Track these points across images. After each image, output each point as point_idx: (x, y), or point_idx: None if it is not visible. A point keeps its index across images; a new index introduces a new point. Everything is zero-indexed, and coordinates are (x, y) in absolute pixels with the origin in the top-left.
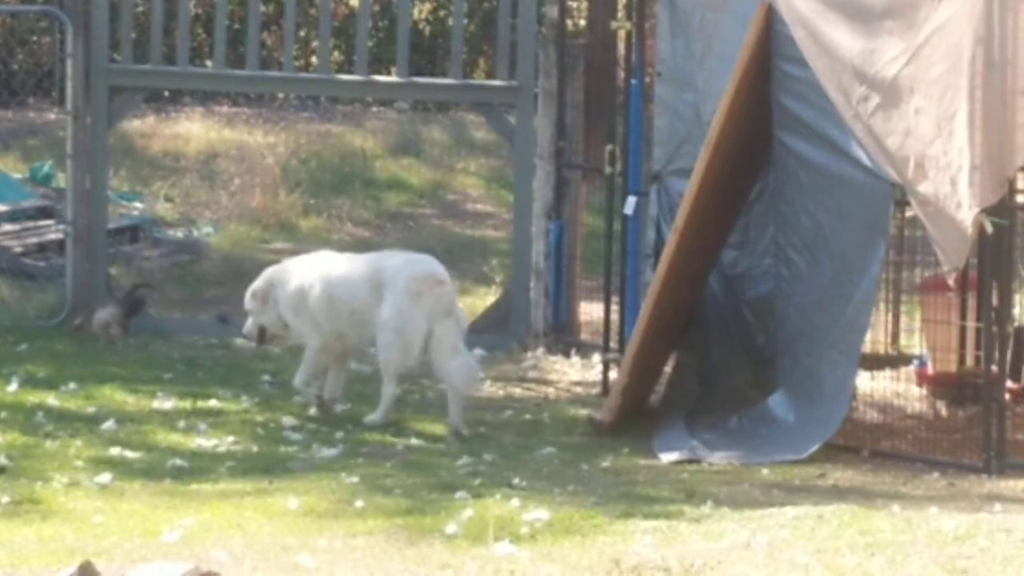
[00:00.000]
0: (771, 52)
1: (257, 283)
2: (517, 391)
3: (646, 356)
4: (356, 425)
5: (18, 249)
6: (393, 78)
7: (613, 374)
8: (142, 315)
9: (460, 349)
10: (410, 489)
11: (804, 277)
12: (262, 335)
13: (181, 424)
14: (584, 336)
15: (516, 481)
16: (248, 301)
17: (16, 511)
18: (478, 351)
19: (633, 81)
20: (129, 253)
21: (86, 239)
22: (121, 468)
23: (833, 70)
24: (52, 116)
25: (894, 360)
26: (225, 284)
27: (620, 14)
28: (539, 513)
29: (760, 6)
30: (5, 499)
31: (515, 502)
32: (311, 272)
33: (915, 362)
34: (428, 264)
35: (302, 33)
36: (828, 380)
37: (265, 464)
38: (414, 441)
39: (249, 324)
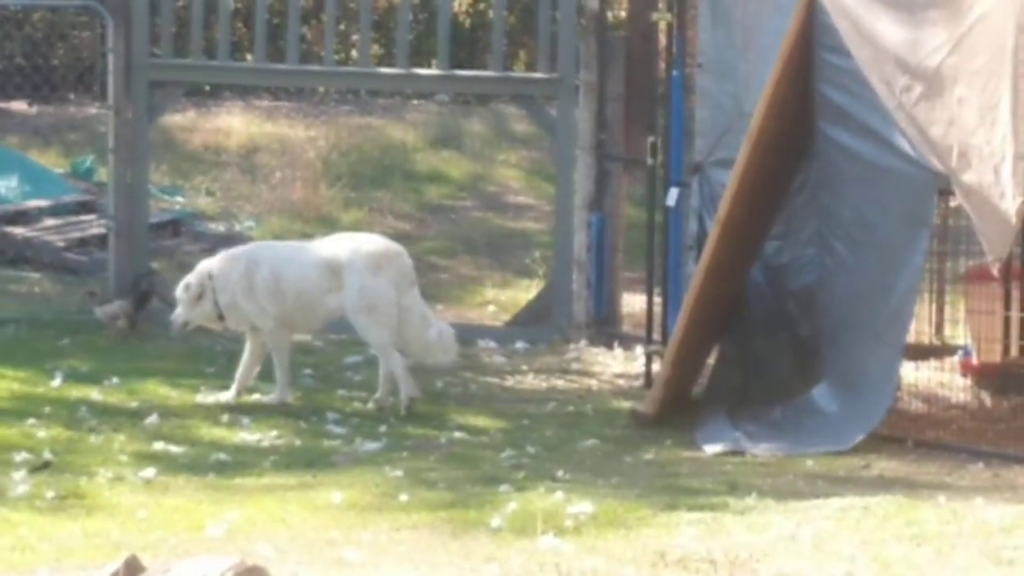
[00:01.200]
0: (813, 42)
1: (196, 278)
2: (560, 383)
3: (689, 348)
4: (399, 419)
5: (60, 244)
6: (434, 71)
7: (656, 366)
8: (149, 307)
9: (430, 317)
10: (454, 482)
11: (847, 268)
12: (185, 326)
13: (224, 418)
14: (626, 328)
15: (560, 474)
16: (180, 292)
17: (61, 506)
18: (520, 344)
19: (674, 72)
20: (170, 247)
21: (127, 234)
22: (165, 462)
23: (876, 60)
24: (93, 111)
25: (938, 350)
26: None
27: (661, 5)
28: (583, 506)
29: None
30: (50, 494)
31: (559, 495)
32: (258, 257)
33: (959, 352)
34: (382, 240)
35: (342, 26)
36: (872, 371)
37: (308, 458)
38: (457, 434)
39: (175, 314)
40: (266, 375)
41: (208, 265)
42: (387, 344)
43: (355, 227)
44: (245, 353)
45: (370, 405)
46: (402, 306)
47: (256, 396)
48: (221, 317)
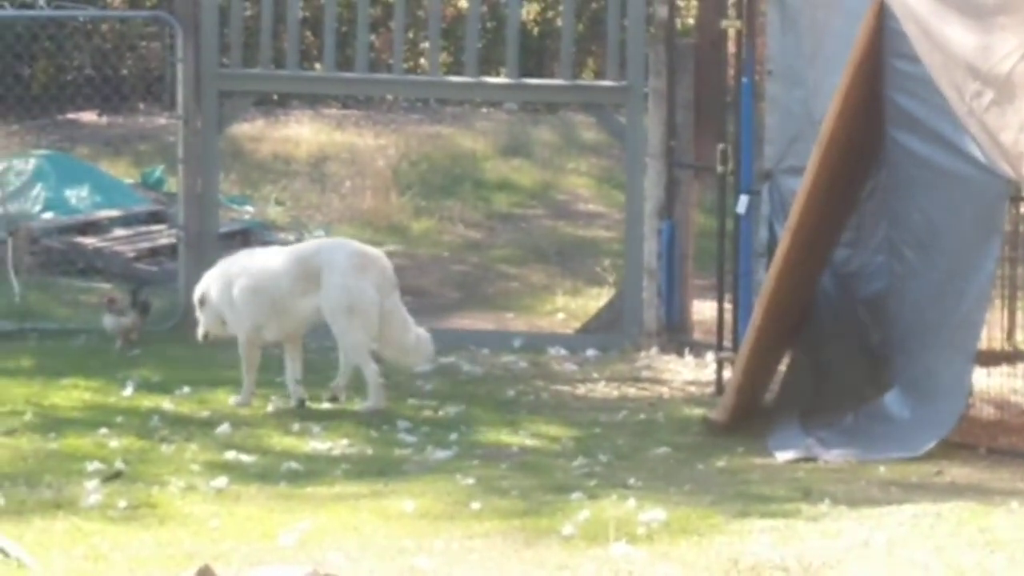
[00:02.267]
0: (883, 49)
1: (199, 287)
2: (631, 391)
3: (760, 355)
4: (469, 427)
5: (130, 254)
6: (503, 79)
7: (727, 373)
8: (148, 320)
9: (410, 323)
10: (526, 490)
11: (918, 274)
12: (205, 336)
13: (295, 427)
14: (697, 335)
15: (631, 481)
16: (196, 304)
17: (133, 515)
18: (591, 351)
19: (744, 79)
20: None
21: (197, 244)
22: (236, 472)
23: (946, 66)
24: (162, 121)
25: (1010, 356)
26: None
27: (730, 12)
28: (655, 513)
29: (872, 3)
30: (122, 503)
31: (631, 502)
32: (236, 267)
33: None
34: (358, 243)
35: (410, 34)
36: (944, 377)
37: (380, 466)
38: (528, 442)
39: (200, 325)
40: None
41: (208, 274)
42: (363, 350)
43: (426, 236)
44: (286, 359)
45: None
46: (386, 309)
47: (326, 405)
48: (224, 323)
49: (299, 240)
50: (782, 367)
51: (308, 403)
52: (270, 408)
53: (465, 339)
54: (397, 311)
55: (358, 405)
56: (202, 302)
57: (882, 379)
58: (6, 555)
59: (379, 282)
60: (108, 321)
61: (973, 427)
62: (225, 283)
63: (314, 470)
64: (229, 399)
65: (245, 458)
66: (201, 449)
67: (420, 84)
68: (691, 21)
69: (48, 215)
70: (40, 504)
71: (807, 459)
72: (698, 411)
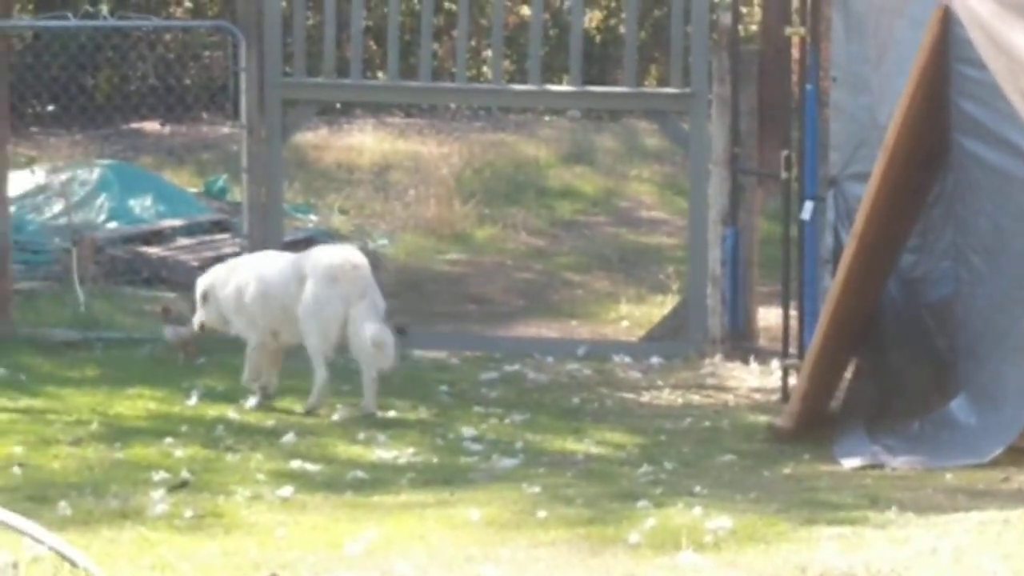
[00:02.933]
0: (948, 54)
1: (202, 281)
2: (696, 398)
3: (825, 361)
4: (535, 435)
5: (194, 263)
6: (566, 87)
7: (792, 380)
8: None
9: (373, 330)
10: (591, 499)
11: (984, 280)
12: (201, 327)
13: (360, 436)
14: (762, 342)
15: (698, 489)
16: (197, 295)
17: (199, 525)
18: (656, 359)
19: (808, 86)
20: None
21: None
22: (302, 481)
23: (1012, 71)
24: (225, 130)
25: None
26: (401, 295)
27: (794, 19)
28: (722, 521)
29: (936, 8)
30: (188, 513)
31: (697, 510)
32: (245, 273)
33: None
34: (345, 251)
35: (472, 43)
36: (1011, 383)
37: (445, 475)
38: (594, 450)
39: (197, 317)
40: (410, 394)
41: (213, 271)
42: (320, 353)
43: (489, 244)
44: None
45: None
46: (351, 317)
47: (392, 413)
48: (227, 321)
49: (362, 249)
50: (847, 374)
51: (379, 413)
52: (335, 417)
53: (530, 347)
54: (361, 318)
55: (336, 413)
56: (204, 298)
57: (948, 386)
58: (74, 565)
59: (347, 292)
60: (168, 332)
61: None
62: (236, 288)
63: (380, 479)
64: (245, 404)
65: (311, 467)
66: (267, 458)
67: (484, 92)
68: (754, 28)
69: (112, 225)
70: (107, 514)
71: (873, 466)
72: (763, 418)
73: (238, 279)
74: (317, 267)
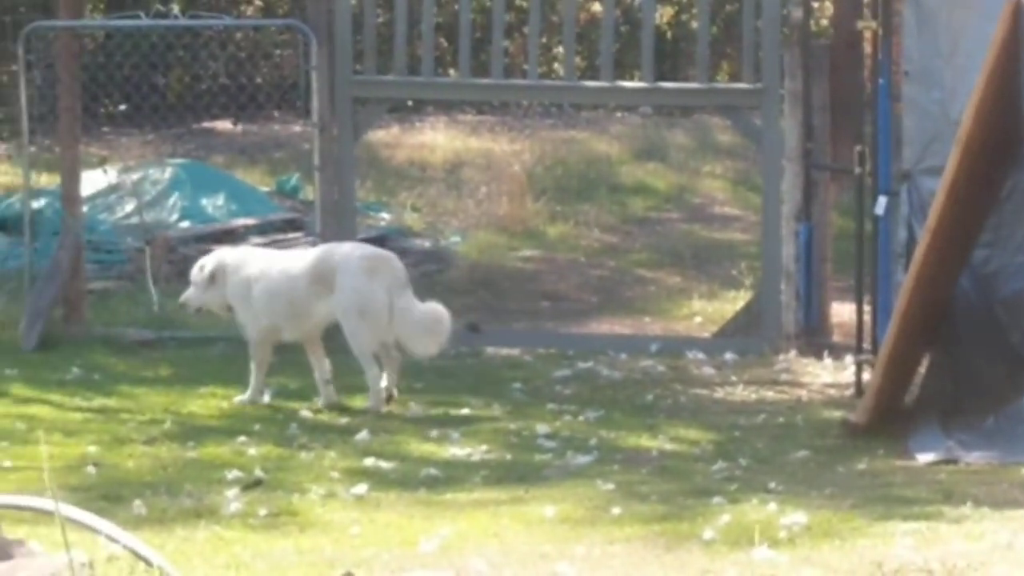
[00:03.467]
0: (1020, 48)
1: (211, 261)
2: (770, 394)
3: (899, 357)
4: (609, 431)
5: None
6: (638, 83)
7: (866, 375)
8: None
9: (420, 310)
10: (666, 495)
11: None
12: (198, 310)
13: (434, 433)
14: (836, 338)
15: (772, 485)
16: (195, 273)
17: (274, 523)
18: (729, 355)
19: (880, 80)
20: None
21: None
22: (376, 478)
23: None
24: (297, 129)
25: None
26: (474, 293)
27: (865, 13)
28: (797, 517)
29: (1008, 3)
30: (263, 511)
31: (772, 506)
32: (255, 268)
33: None
34: (375, 247)
35: (543, 39)
36: None
37: (519, 472)
38: (668, 446)
39: (188, 294)
40: (483, 391)
41: (224, 255)
42: (368, 351)
43: (562, 240)
44: (311, 360)
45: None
46: (397, 307)
47: (466, 410)
48: (229, 308)
49: (435, 246)
50: (921, 369)
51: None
52: (407, 414)
53: (603, 344)
54: (410, 308)
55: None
56: (212, 278)
57: (1022, 380)
58: (149, 564)
59: (389, 283)
60: None
61: None
62: (243, 280)
63: (454, 476)
64: (235, 398)
65: (384, 465)
66: (340, 456)
67: (556, 89)
68: (825, 22)
69: (184, 224)
70: (181, 513)
71: (948, 461)
72: (837, 414)
73: (249, 270)
74: (349, 262)
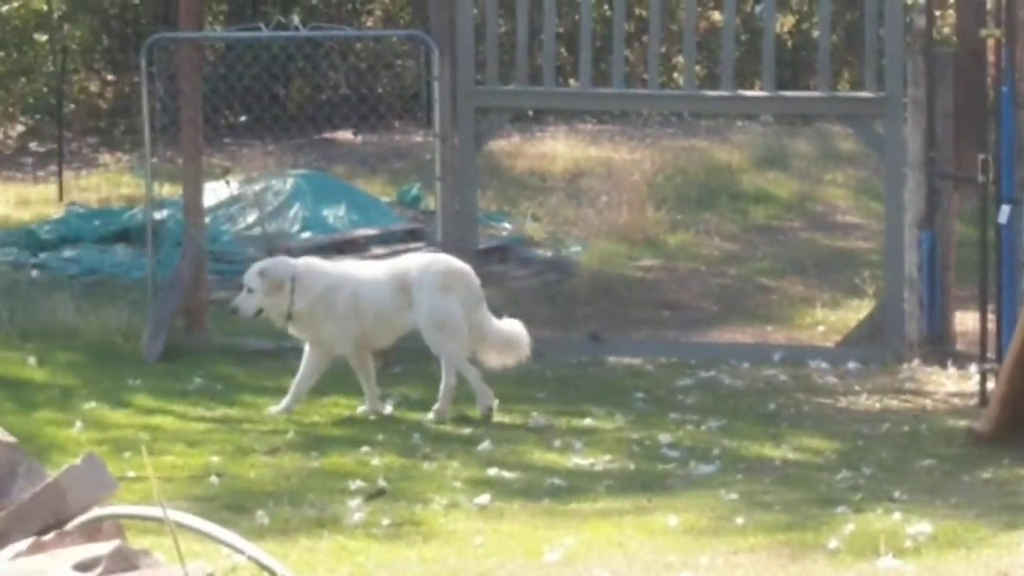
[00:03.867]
0: None
1: (278, 269)
2: (893, 403)
3: None
4: (732, 440)
5: None
6: (760, 92)
7: (991, 384)
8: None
9: (498, 326)
10: (790, 504)
11: None
12: (257, 313)
13: (556, 443)
14: (960, 346)
15: (896, 494)
16: (255, 279)
17: (397, 533)
18: (852, 364)
19: (1004, 88)
20: (498, 274)
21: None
22: (499, 488)
23: None
24: (418, 138)
25: None
26: (595, 302)
27: (988, 21)
28: (922, 526)
29: None
30: (386, 521)
31: (896, 516)
32: (339, 276)
33: None
34: (451, 260)
35: (663, 48)
36: None
37: (643, 482)
38: (791, 455)
39: (244, 299)
40: (606, 401)
41: (292, 264)
42: (459, 358)
43: (683, 249)
44: (304, 365)
45: (430, 416)
46: (472, 323)
47: (588, 420)
48: (290, 317)
49: (556, 256)
50: None
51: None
52: (530, 423)
53: (725, 353)
54: (485, 322)
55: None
56: (280, 286)
57: None
58: (272, 574)
59: (464, 298)
60: None
61: None
62: (326, 290)
63: (577, 486)
64: (359, 408)
65: (507, 475)
66: (463, 466)
67: (677, 98)
68: (948, 30)
69: (306, 234)
70: (304, 523)
71: None
72: (962, 423)
73: (328, 279)
74: (425, 278)
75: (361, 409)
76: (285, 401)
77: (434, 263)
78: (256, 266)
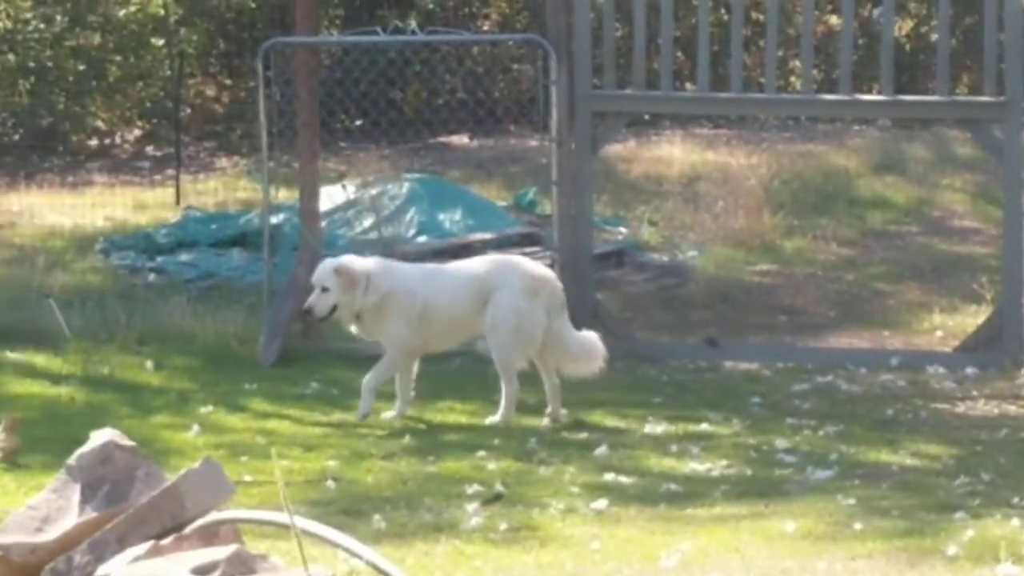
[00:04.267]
0: None
1: (354, 266)
2: (1012, 409)
3: None
4: (849, 446)
5: None
6: (877, 96)
7: None
8: None
9: (576, 335)
10: (908, 510)
11: None
12: (331, 312)
13: (673, 448)
14: None
15: (1016, 500)
16: (330, 277)
17: (514, 538)
18: (970, 369)
19: None
20: (614, 278)
21: (572, 265)
22: (616, 493)
23: None
24: (534, 143)
25: None
26: (711, 307)
27: None
28: None
29: None
30: (503, 526)
31: (1016, 521)
32: (413, 285)
33: None
34: (536, 264)
35: (780, 53)
36: None
37: (759, 487)
38: (909, 461)
39: (319, 298)
40: (722, 406)
41: (367, 263)
42: (514, 368)
43: (799, 254)
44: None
45: (495, 420)
46: (553, 330)
47: (705, 425)
48: (357, 316)
49: (672, 261)
50: None
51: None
52: (646, 429)
53: (842, 358)
54: (565, 330)
55: (490, 418)
56: (355, 282)
57: None
58: None
59: (549, 304)
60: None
61: None
62: (395, 289)
63: (693, 491)
64: (384, 414)
65: (624, 480)
66: (580, 471)
67: (795, 103)
68: None
69: (422, 239)
70: (421, 527)
71: None
72: None
73: (398, 281)
74: (512, 280)
75: (389, 415)
76: (396, 406)
77: (520, 266)
78: (329, 264)
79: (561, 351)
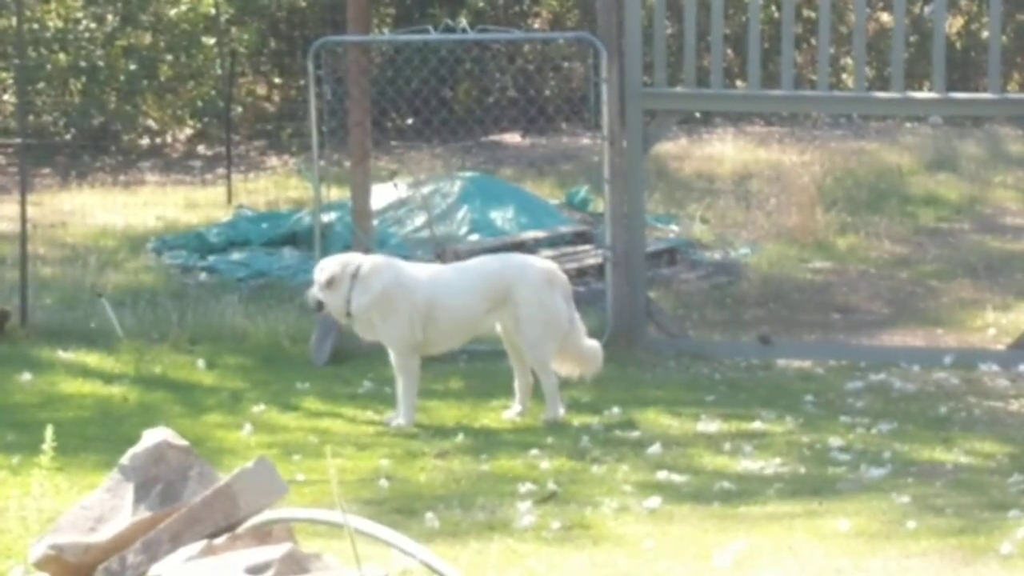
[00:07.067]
0: None
1: (332, 265)
2: None
3: None
4: (903, 444)
5: None
6: (929, 94)
7: None
8: None
9: (584, 332)
10: (962, 508)
11: None
12: (318, 307)
13: (726, 447)
14: None
15: None
16: (316, 273)
17: (567, 536)
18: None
19: None
20: (667, 276)
21: (625, 263)
22: (669, 492)
23: None
24: (585, 141)
25: None
26: (764, 305)
27: None
28: None
29: None
30: (556, 524)
31: None
32: (410, 282)
33: None
34: (537, 258)
35: (831, 50)
36: None
37: (813, 485)
38: (963, 459)
39: (310, 292)
40: (775, 404)
41: (358, 259)
42: (550, 360)
43: (852, 252)
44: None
45: (548, 416)
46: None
47: (758, 423)
48: (349, 315)
49: (724, 259)
50: None
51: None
52: (699, 427)
53: (895, 356)
54: (576, 320)
55: (543, 416)
56: (332, 282)
57: None
58: None
59: (564, 293)
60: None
61: None
62: (389, 289)
63: (747, 489)
64: (390, 421)
65: (677, 478)
66: (632, 469)
67: (847, 100)
68: None
69: (474, 237)
70: (474, 526)
71: None
72: None
73: (392, 282)
74: (528, 275)
75: (396, 422)
76: (402, 415)
77: (529, 261)
78: (322, 261)
79: (572, 342)
